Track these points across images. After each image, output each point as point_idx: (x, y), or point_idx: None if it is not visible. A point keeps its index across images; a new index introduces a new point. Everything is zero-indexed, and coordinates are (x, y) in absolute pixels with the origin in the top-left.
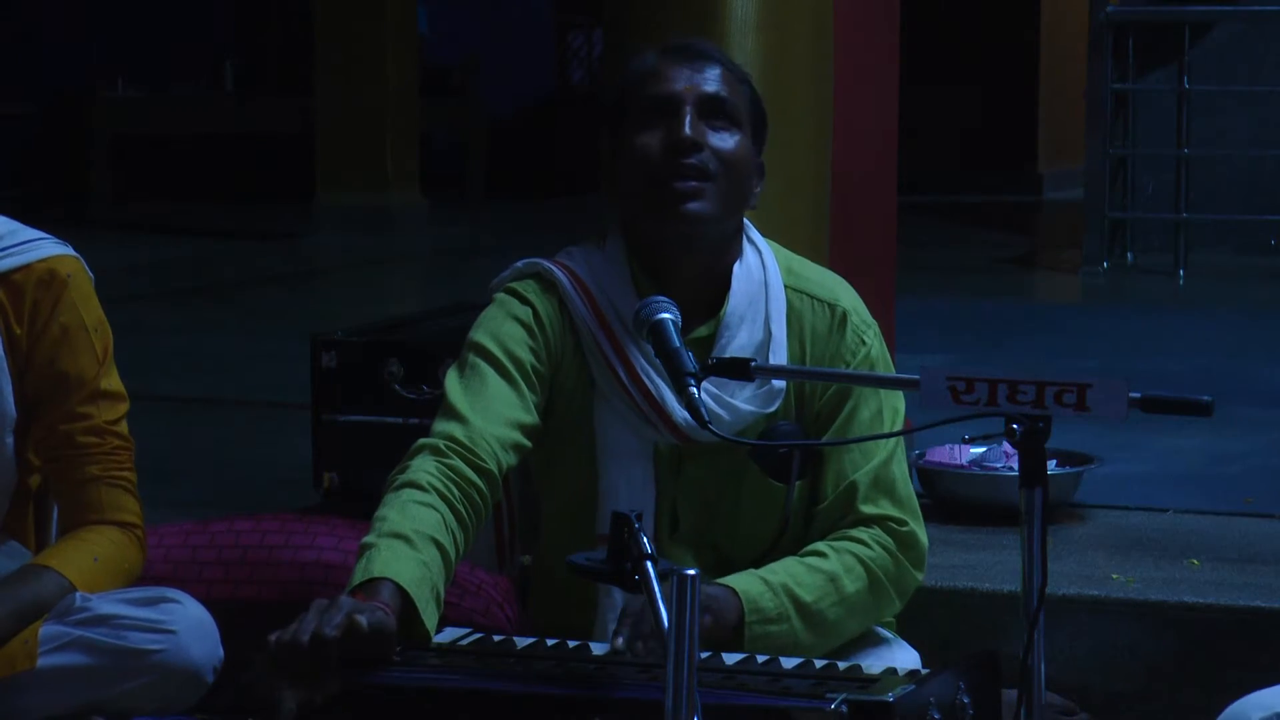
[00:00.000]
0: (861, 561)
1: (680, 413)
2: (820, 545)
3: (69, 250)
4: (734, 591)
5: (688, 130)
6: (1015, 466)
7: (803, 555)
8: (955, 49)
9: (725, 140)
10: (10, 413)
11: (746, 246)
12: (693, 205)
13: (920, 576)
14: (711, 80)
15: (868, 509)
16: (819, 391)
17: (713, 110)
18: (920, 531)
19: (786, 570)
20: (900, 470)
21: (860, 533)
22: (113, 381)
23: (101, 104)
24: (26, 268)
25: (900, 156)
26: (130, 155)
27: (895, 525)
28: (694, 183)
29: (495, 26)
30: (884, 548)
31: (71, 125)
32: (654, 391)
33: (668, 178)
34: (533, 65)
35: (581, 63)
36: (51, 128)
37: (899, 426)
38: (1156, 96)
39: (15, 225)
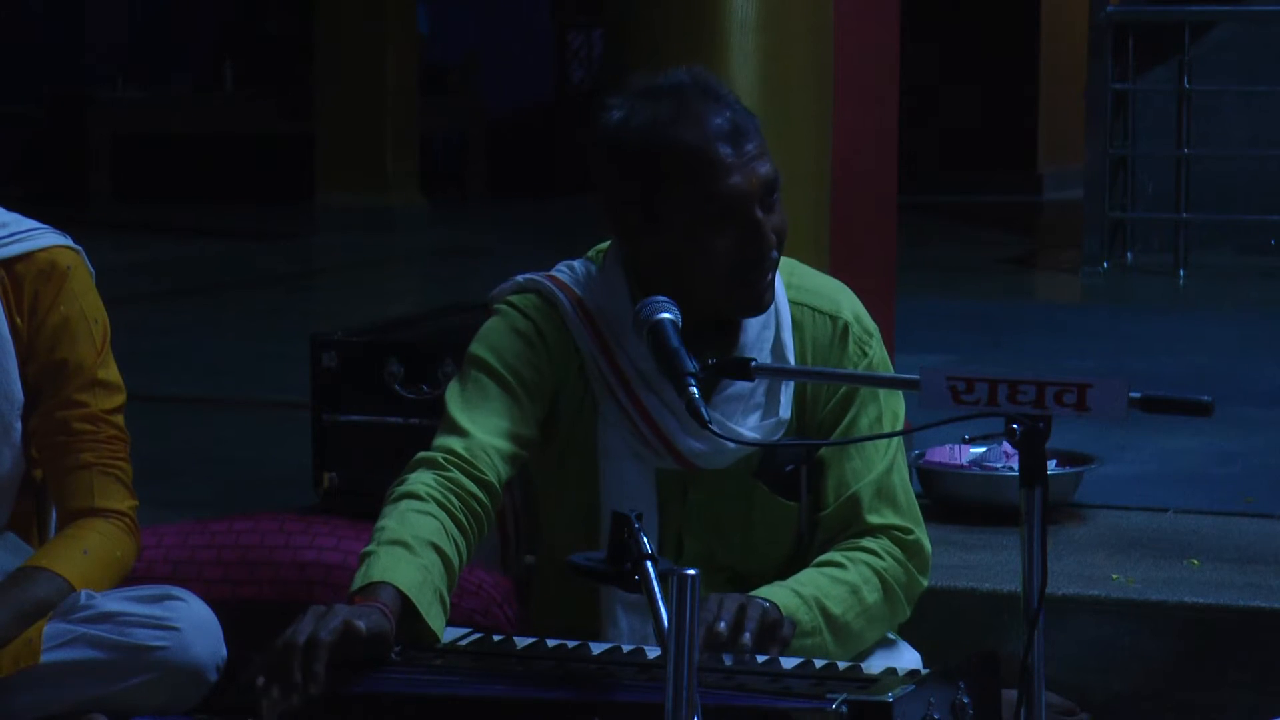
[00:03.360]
0: (876, 572)
1: (682, 438)
2: (836, 556)
3: (68, 241)
4: (775, 606)
5: (769, 239)
6: (1015, 466)
7: (821, 566)
8: (955, 49)
9: (778, 216)
10: (18, 396)
11: None
12: (769, 295)
13: (925, 583)
14: (761, 156)
15: (873, 519)
16: (821, 401)
17: (769, 191)
18: (924, 539)
19: (814, 583)
20: (901, 478)
21: (870, 542)
22: (110, 372)
23: (101, 104)
24: (27, 257)
25: (901, 156)
26: (130, 155)
27: (901, 534)
28: (771, 274)
29: (495, 26)
30: (894, 557)
31: (71, 125)
32: (657, 419)
33: (752, 281)
34: (533, 65)
35: (581, 63)
36: (51, 128)
37: (900, 429)
38: (1156, 96)
39: (15, 215)
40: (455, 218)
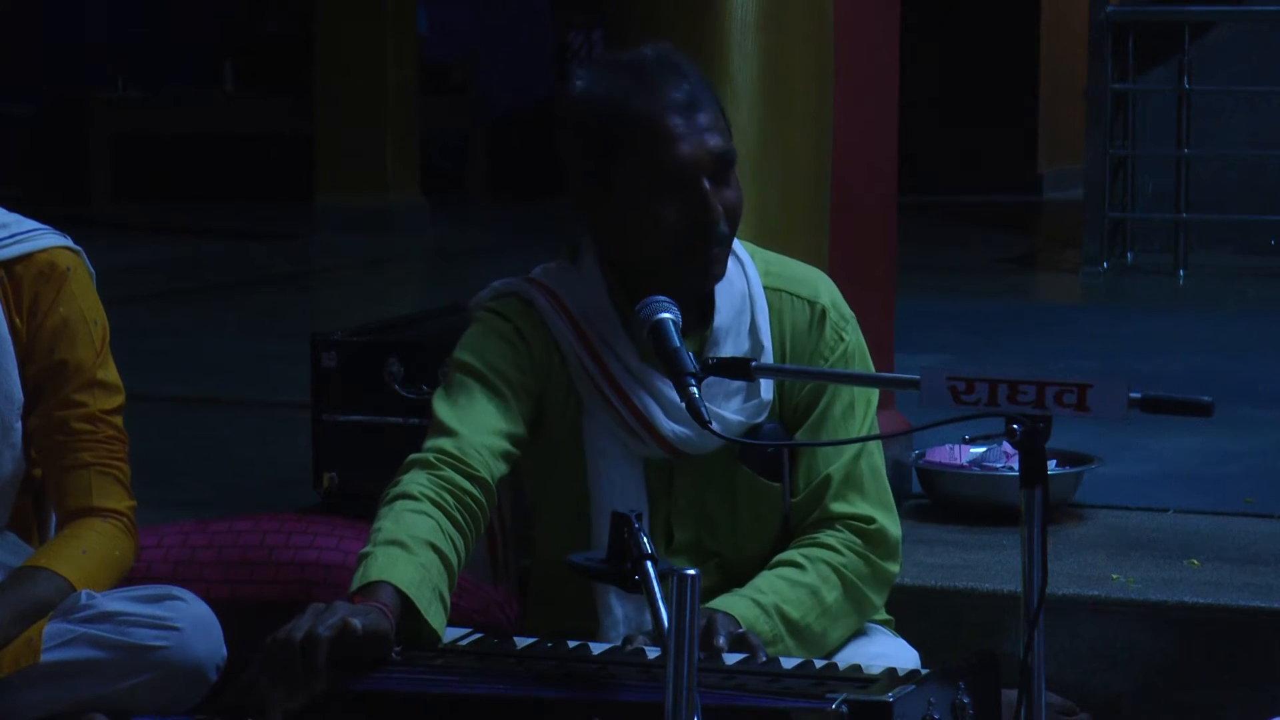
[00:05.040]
0: (835, 570)
1: (667, 425)
2: (795, 555)
3: (68, 241)
4: (733, 619)
5: (715, 209)
6: (1015, 466)
7: (779, 568)
8: (956, 49)
9: (732, 191)
10: (18, 397)
11: None
12: (717, 268)
13: (895, 568)
14: (712, 127)
15: (837, 507)
16: (797, 387)
17: (720, 164)
18: (889, 524)
19: (773, 589)
20: (870, 464)
21: (829, 537)
22: (109, 373)
23: (101, 104)
24: (27, 258)
25: (901, 156)
26: (130, 155)
27: (863, 524)
28: (719, 249)
29: (495, 25)
30: (853, 551)
31: (71, 125)
32: (641, 407)
33: (698, 250)
34: (532, 64)
35: (581, 63)
36: (51, 128)
37: (872, 414)
38: (1156, 96)
39: (15, 216)
40: (455, 218)
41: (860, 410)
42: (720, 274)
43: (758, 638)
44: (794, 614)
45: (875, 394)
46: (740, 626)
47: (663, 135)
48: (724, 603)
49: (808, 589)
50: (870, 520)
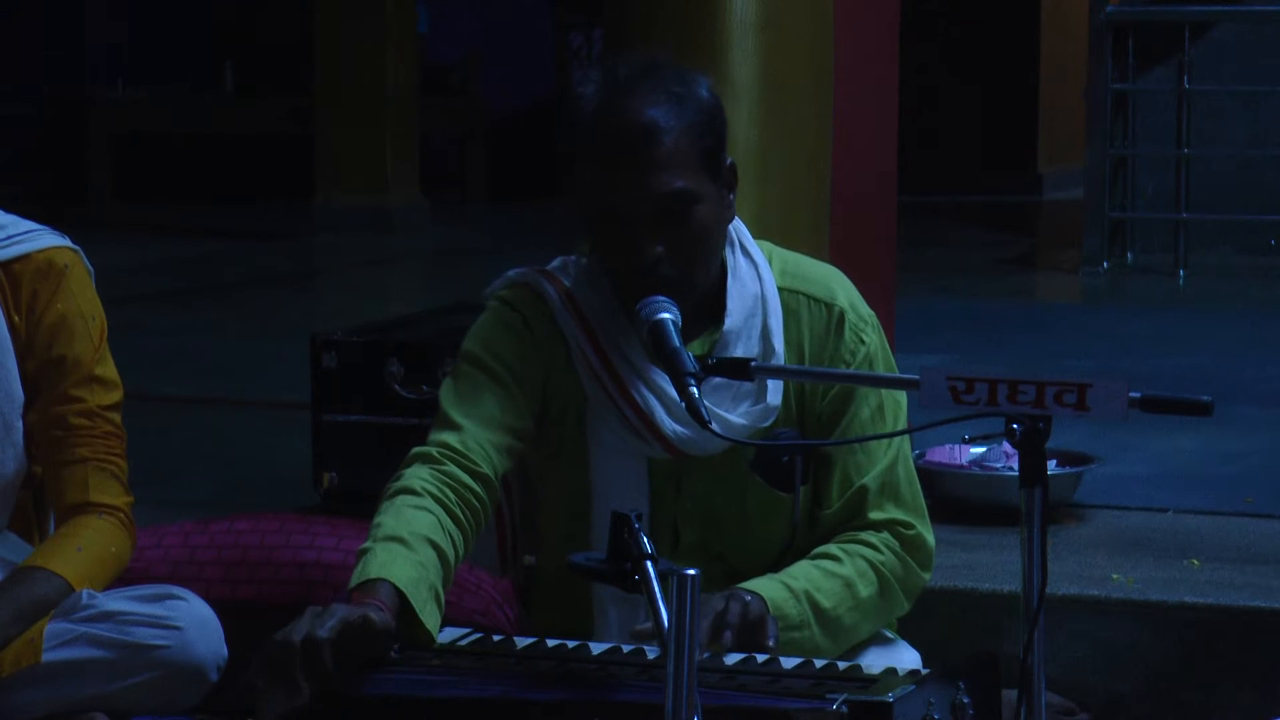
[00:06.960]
0: (873, 566)
1: (668, 423)
2: (832, 549)
3: (66, 241)
4: (761, 598)
5: (644, 256)
6: (1015, 466)
7: (816, 559)
8: (956, 49)
9: (682, 230)
10: (18, 395)
11: (740, 257)
12: (667, 305)
13: (927, 577)
14: (657, 174)
15: (876, 515)
16: (820, 393)
17: (664, 205)
18: (927, 533)
19: (806, 576)
20: (905, 471)
21: (869, 535)
22: (107, 369)
23: (101, 104)
24: (25, 257)
25: (900, 156)
26: (130, 155)
27: (903, 529)
28: (664, 288)
29: (495, 26)
30: (892, 551)
31: (71, 125)
32: (643, 405)
33: (638, 290)
34: (533, 65)
35: (581, 63)
36: (51, 128)
37: (902, 420)
38: (1156, 96)
39: (14, 217)
40: (455, 218)
41: (890, 414)
42: (675, 306)
43: (775, 625)
44: (825, 603)
45: (903, 396)
46: (763, 611)
47: (601, 171)
48: (755, 584)
49: (842, 580)
50: (909, 526)
